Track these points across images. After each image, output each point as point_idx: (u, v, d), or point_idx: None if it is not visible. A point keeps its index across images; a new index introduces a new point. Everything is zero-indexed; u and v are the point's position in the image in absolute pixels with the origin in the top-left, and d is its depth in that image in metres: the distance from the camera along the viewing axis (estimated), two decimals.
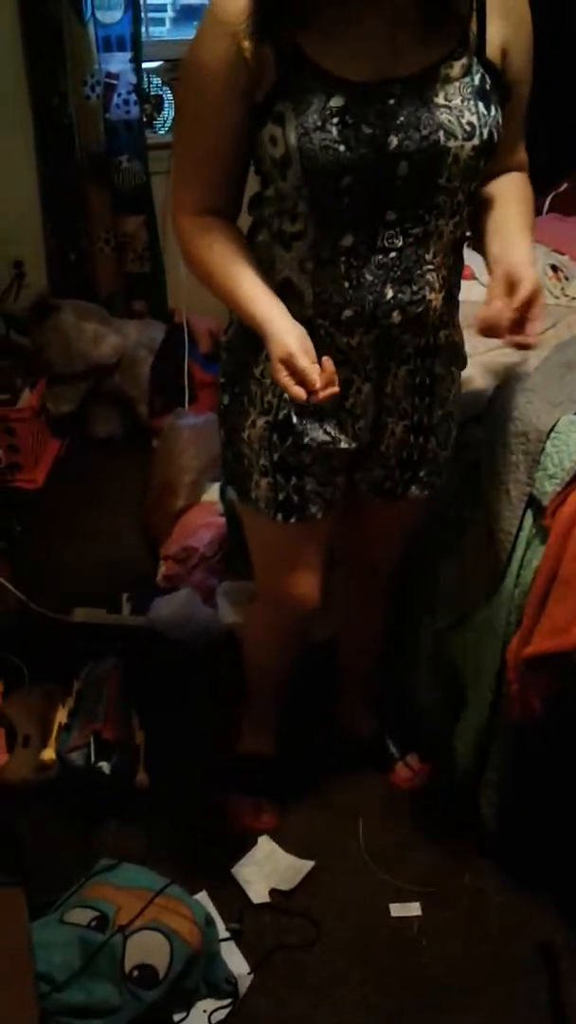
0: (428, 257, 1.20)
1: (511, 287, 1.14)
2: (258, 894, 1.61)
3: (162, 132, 3.07)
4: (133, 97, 2.88)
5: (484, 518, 1.52)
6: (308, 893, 1.63)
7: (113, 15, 2.78)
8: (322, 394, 1.13)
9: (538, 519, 1.43)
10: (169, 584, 2.31)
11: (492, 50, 1.16)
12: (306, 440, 1.32)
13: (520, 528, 1.46)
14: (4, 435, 2.71)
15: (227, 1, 1.10)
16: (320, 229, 1.17)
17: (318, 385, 1.12)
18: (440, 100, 1.12)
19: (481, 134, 1.13)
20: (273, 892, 1.62)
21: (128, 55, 2.83)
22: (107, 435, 3.05)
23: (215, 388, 1.47)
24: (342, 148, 1.09)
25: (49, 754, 1.77)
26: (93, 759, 1.75)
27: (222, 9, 1.10)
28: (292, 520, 1.38)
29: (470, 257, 1.38)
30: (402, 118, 1.10)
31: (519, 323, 1.13)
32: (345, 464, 1.40)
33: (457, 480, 1.59)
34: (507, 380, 1.59)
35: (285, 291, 1.23)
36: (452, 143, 1.12)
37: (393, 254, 1.18)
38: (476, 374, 1.63)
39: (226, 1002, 1.42)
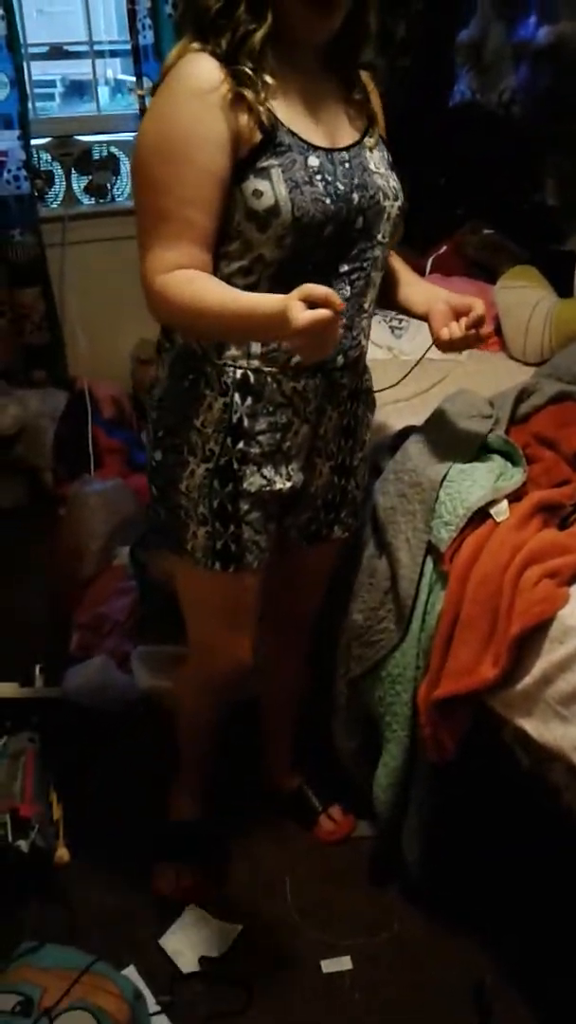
0: (365, 305, 1.38)
1: (457, 314, 1.39)
2: (188, 963, 1.58)
3: (54, 206, 3.12)
4: (23, 173, 2.92)
5: (388, 563, 1.57)
6: (239, 958, 1.61)
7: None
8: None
9: (437, 565, 1.49)
10: (83, 653, 2.28)
11: (382, 129, 1.40)
12: (245, 485, 1.37)
13: (422, 574, 1.52)
14: None
15: (202, 73, 1.20)
16: (276, 281, 1.26)
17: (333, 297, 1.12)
18: (372, 167, 1.33)
19: (400, 197, 1.36)
20: (203, 960, 1.59)
21: (16, 132, 2.88)
22: (11, 505, 3.02)
23: (137, 448, 1.51)
24: (327, 201, 1.25)
25: None
26: (10, 838, 1.71)
27: (199, 80, 1.20)
28: (230, 569, 1.41)
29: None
30: (356, 179, 1.30)
31: (476, 336, 1.38)
32: (277, 510, 1.45)
33: (366, 525, 1.64)
34: (401, 433, 1.66)
35: (230, 342, 1.32)
36: (387, 203, 1.33)
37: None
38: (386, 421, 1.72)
39: None
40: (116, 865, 1.77)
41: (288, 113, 1.25)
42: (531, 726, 1.35)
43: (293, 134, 1.25)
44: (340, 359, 1.37)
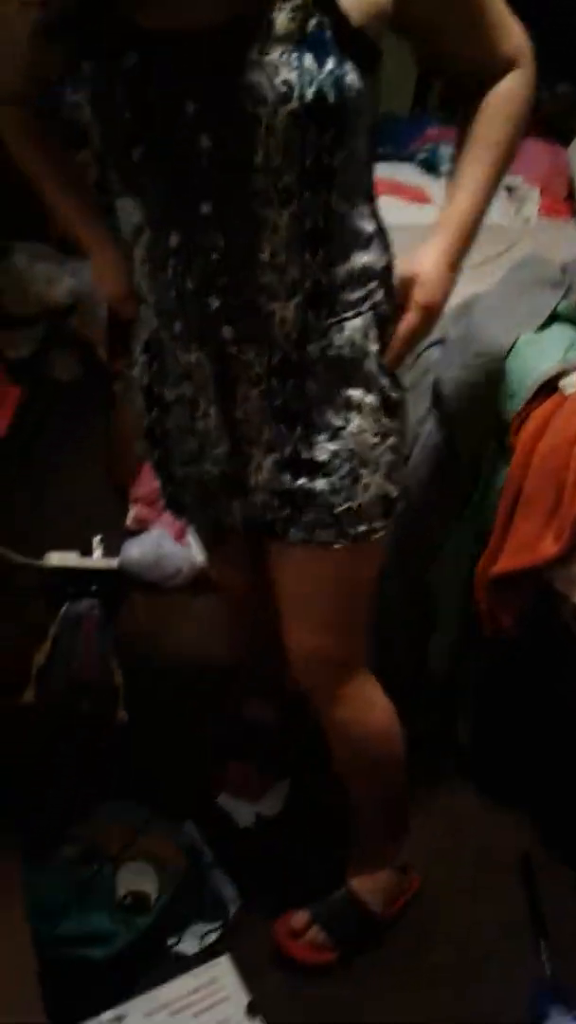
0: (263, 257, 0.98)
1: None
2: (244, 819, 1.65)
3: None
4: None
5: (447, 440, 1.53)
6: (292, 817, 1.67)
7: None
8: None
9: (502, 439, 1.44)
10: (140, 527, 2.31)
11: None
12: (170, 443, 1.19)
13: (485, 448, 1.48)
14: None
15: None
16: (150, 225, 1.02)
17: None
18: (253, 56, 0.89)
19: (303, 95, 0.88)
20: (259, 816, 1.65)
21: None
22: (68, 379, 3.01)
23: None
24: (127, 115, 0.93)
25: (29, 697, 1.79)
26: (73, 700, 1.77)
27: None
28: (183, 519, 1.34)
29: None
30: (201, 81, 0.90)
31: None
32: (220, 490, 1.20)
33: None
34: (463, 303, 1.59)
35: (139, 295, 1.11)
36: (261, 109, 0.89)
37: (215, 256, 0.98)
38: None
39: (217, 924, 1.47)
40: (175, 731, 1.82)
41: None
42: None
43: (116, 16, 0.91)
44: (228, 330, 1.02)
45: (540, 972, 1.42)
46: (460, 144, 1.08)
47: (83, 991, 1.28)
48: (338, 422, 1.09)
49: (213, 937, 1.45)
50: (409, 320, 1.07)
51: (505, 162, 1.08)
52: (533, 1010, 1.34)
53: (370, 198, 1.06)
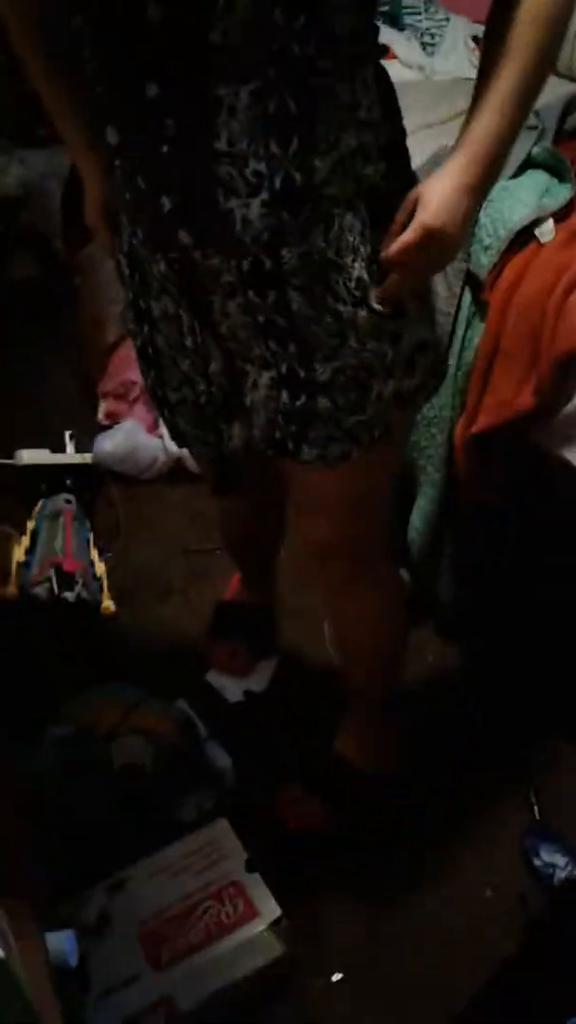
0: (219, 146, 0.84)
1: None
2: (233, 695, 1.67)
3: None
4: None
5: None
6: (280, 691, 1.69)
7: None
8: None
9: (477, 295, 1.41)
10: (111, 420, 2.27)
11: None
12: (165, 373, 1.11)
13: (459, 307, 1.44)
14: None
15: None
16: (96, 116, 0.92)
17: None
18: None
19: None
20: (247, 692, 1.67)
21: None
22: (25, 276, 2.91)
23: None
24: None
25: (11, 591, 1.78)
26: (56, 591, 1.76)
27: None
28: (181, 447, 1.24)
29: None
30: None
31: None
32: (218, 413, 1.12)
33: None
34: (433, 156, 1.53)
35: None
36: None
37: (165, 148, 0.86)
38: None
39: (213, 793, 1.49)
40: (161, 618, 1.83)
41: None
42: (573, 455, 1.33)
43: None
44: (185, 235, 0.90)
45: (531, 817, 1.47)
46: (485, 51, 0.90)
47: (84, 858, 1.31)
48: (333, 341, 0.95)
49: (210, 805, 1.47)
50: (404, 239, 0.91)
51: (537, 72, 0.87)
52: (524, 844, 1.40)
53: (369, 60, 0.90)
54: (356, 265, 0.93)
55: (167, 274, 0.97)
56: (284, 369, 0.98)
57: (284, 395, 1.00)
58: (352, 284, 0.93)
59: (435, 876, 1.42)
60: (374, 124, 0.91)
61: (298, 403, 1.00)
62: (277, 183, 0.86)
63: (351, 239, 0.92)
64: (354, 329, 0.95)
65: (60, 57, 1.00)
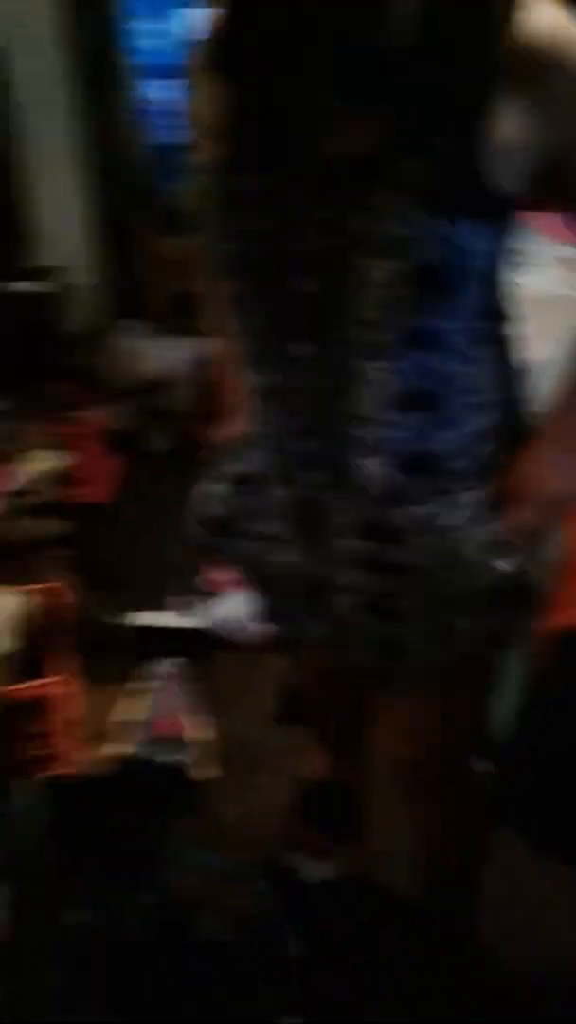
0: (354, 410, 0.90)
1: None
2: (312, 877, 1.65)
3: None
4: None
5: None
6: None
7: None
8: None
9: None
10: (216, 589, 2.38)
11: None
12: None
13: None
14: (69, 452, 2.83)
15: None
16: (247, 356, 0.98)
17: None
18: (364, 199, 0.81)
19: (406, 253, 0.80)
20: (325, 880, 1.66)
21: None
22: (160, 449, 3.16)
23: None
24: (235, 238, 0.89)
25: (112, 750, 1.85)
26: (154, 753, 1.82)
27: None
28: None
29: None
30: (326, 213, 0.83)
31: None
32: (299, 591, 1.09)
33: None
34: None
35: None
36: (362, 260, 0.82)
37: (305, 398, 0.93)
38: None
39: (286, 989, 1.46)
40: (254, 788, 1.85)
41: None
42: None
43: None
44: (313, 476, 0.96)
45: None
46: None
47: None
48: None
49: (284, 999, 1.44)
50: (514, 516, 0.94)
51: None
52: None
53: (495, 340, 0.92)
54: (466, 547, 0.93)
55: (282, 502, 1.00)
56: (371, 598, 0.99)
57: (371, 619, 1.00)
58: (460, 562, 0.94)
59: None
60: (494, 408, 0.94)
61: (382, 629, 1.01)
62: (401, 450, 0.90)
63: (463, 519, 0.93)
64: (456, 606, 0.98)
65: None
